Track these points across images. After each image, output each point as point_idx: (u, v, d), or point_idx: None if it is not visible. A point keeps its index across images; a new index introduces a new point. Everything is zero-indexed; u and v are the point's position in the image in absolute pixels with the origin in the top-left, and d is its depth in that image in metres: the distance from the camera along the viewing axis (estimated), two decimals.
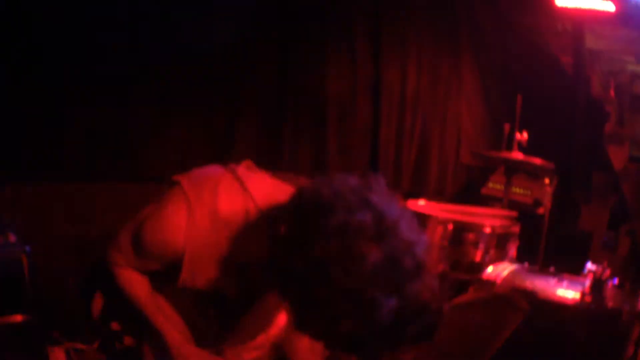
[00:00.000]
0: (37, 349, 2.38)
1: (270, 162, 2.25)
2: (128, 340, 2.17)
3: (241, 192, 1.76)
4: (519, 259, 3.60)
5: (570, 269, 3.09)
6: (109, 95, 3.07)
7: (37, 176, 2.95)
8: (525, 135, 4.08)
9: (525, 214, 4.18)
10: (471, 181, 5.38)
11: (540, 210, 4.74)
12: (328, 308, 1.35)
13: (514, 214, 3.81)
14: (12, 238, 2.37)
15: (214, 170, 1.87)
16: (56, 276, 3.01)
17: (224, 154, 3.49)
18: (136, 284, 1.96)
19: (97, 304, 2.29)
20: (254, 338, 2.12)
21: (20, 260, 2.32)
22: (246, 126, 3.65)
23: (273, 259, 1.50)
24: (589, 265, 2.70)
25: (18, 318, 2.31)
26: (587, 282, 2.61)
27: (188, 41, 3.30)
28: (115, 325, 2.20)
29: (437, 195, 4.82)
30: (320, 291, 1.34)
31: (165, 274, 1.93)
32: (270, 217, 1.60)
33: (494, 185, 4.93)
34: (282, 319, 2.06)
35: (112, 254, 1.96)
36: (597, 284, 2.60)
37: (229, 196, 1.75)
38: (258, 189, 1.78)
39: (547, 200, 4.77)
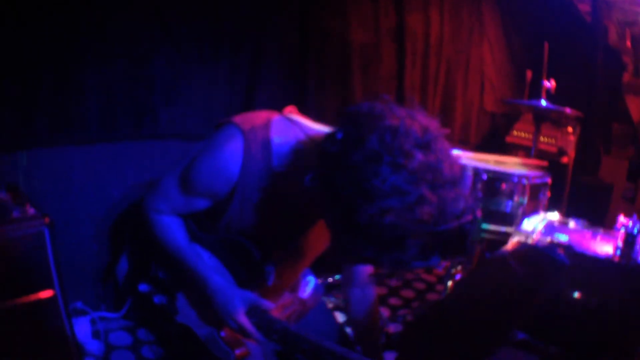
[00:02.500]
0: (61, 323, 2.33)
1: None
2: (158, 300, 2.11)
3: (291, 125, 1.81)
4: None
5: (592, 220, 3.12)
6: (125, 52, 2.95)
7: (53, 140, 2.80)
8: (553, 83, 4.00)
9: (551, 163, 4.13)
10: (495, 129, 5.35)
11: (565, 159, 4.71)
12: (373, 206, 1.37)
13: (545, 163, 3.76)
14: (31, 211, 2.29)
15: (261, 112, 1.86)
16: (78, 242, 2.98)
17: (247, 109, 3.40)
18: (177, 230, 1.94)
19: (123, 267, 2.24)
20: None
21: (42, 234, 2.24)
22: (269, 78, 3.55)
23: (323, 165, 1.50)
24: (621, 219, 2.72)
25: (42, 295, 2.25)
26: (620, 237, 2.64)
27: None
28: (143, 287, 2.15)
29: (462, 143, 4.81)
30: (367, 187, 1.37)
31: (208, 217, 1.92)
32: (320, 141, 1.57)
33: (519, 134, 4.91)
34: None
35: (154, 200, 1.92)
36: (629, 240, 2.62)
37: (280, 128, 1.79)
38: (306, 124, 1.83)
39: (571, 149, 4.73)
